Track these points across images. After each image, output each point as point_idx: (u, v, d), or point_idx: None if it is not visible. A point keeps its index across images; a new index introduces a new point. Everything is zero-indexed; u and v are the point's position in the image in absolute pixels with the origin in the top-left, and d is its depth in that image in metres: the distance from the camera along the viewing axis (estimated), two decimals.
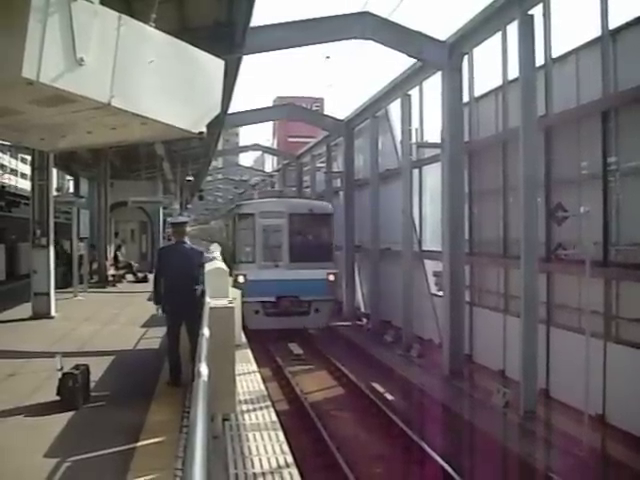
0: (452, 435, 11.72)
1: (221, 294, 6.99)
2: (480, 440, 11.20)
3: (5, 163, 54.46)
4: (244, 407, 6.86)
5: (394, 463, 10.58)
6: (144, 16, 5.11)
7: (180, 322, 7.59)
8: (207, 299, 6.33)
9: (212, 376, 3.58)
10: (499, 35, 14.83)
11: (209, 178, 48.29)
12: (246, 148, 51.98)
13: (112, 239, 24.93)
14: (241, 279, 18.41)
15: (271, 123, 70.55)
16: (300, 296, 19.24)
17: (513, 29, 13.29)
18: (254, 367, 8.87)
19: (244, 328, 11.73)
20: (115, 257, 23.87)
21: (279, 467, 5.19)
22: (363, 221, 23.66)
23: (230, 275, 14.67)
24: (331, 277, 19.79)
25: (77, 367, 6.93)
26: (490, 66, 15.83)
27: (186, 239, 8.05)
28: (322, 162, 32.21)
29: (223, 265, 9.31)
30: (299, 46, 16.03)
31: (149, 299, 7.91)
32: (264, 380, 8.42)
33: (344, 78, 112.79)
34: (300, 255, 19.64)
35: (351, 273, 24.68)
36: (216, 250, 16.57)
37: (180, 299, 7.45)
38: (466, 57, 15.90)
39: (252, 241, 20.04)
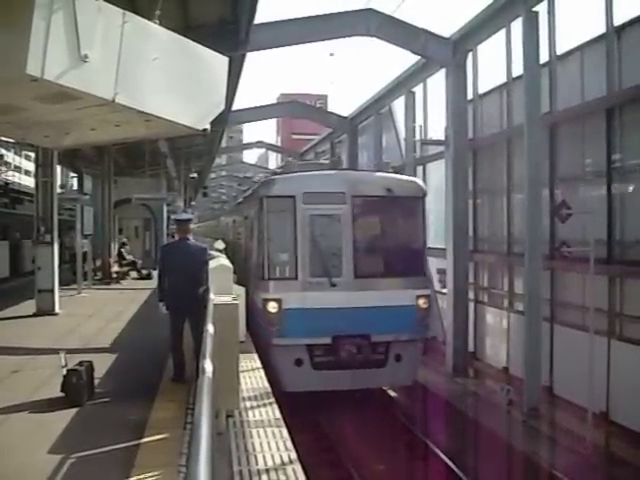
0: (455, 432, 11.71)
1: (225, 291, 7.00)
2: (483, 437, 11.20)
3: (9, 160, 54.58)
4: (247, 404, 6.86)
5: (397, 460, 10.58)
6: (148, 13, 5.12)
7: (184, 319, 7.61)
8: (211, 296, 6.34)
9: (216, 373, 3.58)
10: (503, 32, 14.81)
11: (213, 175, 48.35)
12: (250, 145, 51.98)
13: (116, 236, 24.96)
14: (272, 307, 11.09)
15: (275, 120, 70.90)
16: (372, 335, 11.26)
17: (517, 26, 13.25)
18: (257, 364, 8.87)
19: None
20: (119, 254, 23.91)
21: (283, 464, 5.20)
22: None
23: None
24: (422, 302, 11.70)
25: (81, 363, 6.95)
26: (494, 63, 15.82)
27: (190, 236, 8.07)
28: (326, 159, 32.22)
29: (227, 261, 9.27)
30: (303, 43, 16.03)
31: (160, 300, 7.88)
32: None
33: (348, 75, 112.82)
34: (372, 266, 11.91)
35: None
36: (219, 246, 16.17)
37: (184, 296, 7.45)
38: (470, 54, 15.87)
39: (291, 242, 11.53)
